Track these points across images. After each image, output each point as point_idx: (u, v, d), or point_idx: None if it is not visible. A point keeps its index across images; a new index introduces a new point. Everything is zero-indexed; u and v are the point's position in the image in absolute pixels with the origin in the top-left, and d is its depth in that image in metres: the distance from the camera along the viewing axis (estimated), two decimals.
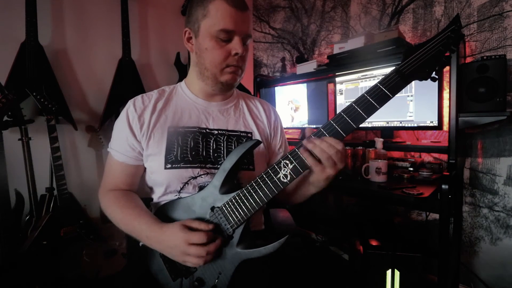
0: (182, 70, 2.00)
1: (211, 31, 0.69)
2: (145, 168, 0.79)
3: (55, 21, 1.55)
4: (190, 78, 0.82)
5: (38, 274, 1.23)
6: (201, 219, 0.68)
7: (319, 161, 0.58)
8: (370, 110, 0.57)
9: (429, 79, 0.57)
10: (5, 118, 1.23)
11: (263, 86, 2.23)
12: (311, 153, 0.59)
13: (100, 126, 1.65)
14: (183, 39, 0.77)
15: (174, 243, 0.62)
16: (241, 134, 0.81)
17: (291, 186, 0.70)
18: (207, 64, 0.73)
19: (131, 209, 0.71)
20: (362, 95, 0.57)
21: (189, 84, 0.82)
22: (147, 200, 0.81)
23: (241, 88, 2.02)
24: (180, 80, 0.86)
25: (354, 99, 0.58)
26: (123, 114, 0.76)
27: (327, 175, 0.60)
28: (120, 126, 0.76)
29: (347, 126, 0.58)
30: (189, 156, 0.74)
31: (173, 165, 0.73)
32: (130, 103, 0.77)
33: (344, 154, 0.59)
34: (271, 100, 2.16)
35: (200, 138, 0.76)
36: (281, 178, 0.61)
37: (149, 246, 0.68)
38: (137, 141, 0.74)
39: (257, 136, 0.83)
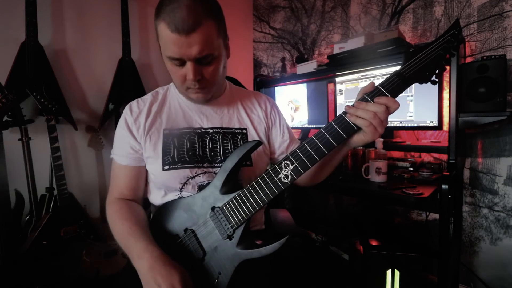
0: None
1: (164, 55, 0.66)
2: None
3: (55, 21, 1.54)
4: None
5: (38, 274, 1.23)
6: (201, 219, 0.68)
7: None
8: None
9: (429, 82, 0.57)
10: (5, 118, 1.22)
11: (263, 86, 2.22)
12: (357, 116, 0.57)
13: (100, 126, 1.65)
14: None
15: (160, 284, 0.57)
16: (236, 131, 0.80)
17: (328, 157, 0.62)
18: (174, 82, 0.74)
19: (132, 223, 0.69)
20: (363, 97, 0.57)
21: None
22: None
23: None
24: None
25: (354, 100, 0.58)
26: (121, 119, 0.77)
27: (378, 135, 0.57)
28: (120, 131, 0.77)
29: (348, 128, 0.58)
30: (186, 156, 0.74)
31: (171, 166, 0.73)
32: (127, 108, 0.78)
33: (387, 112, 0.56)
34: None
35: (196, 138, 0.76)
36: (281, 178, 0.61)
37: (135, 266, 0.62)
38: (137, 143, 0.75)
39: (252, 131, 0.82)
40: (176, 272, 0.59)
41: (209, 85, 0.70)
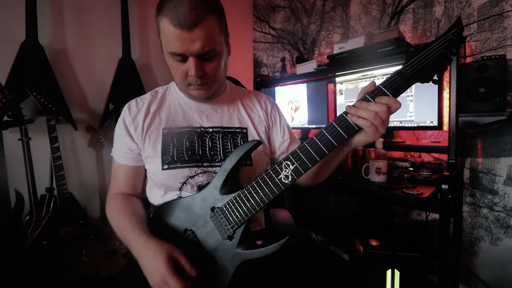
0: None
1: (165, 51, 0.66)
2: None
3: (55, 21, 1.54)
4: None
5: (38, 274, 1.23)
6: (201, 219, 0.68)
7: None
8: None
9: (430, 82, 0.57)
10: (5, 118, 1.22)
11: (263, 86, 2.22)
12: (358, 117, 0.56)
13: (100, 126, 1.65)
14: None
15: (152, 268, 0.60)
16: (236, 130, 0.80)
17: (328, 157, 0.62)
18: (175, 79, 0.74)
19: (127, 216, 0.71)
20: (365, 97, 0.57)
21: None
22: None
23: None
24: None
25: (354, 100, 0.58)
26: (120, 118, 0.78)
27: (379, 135, 0.57)
28: (118, 130, 0.78)
29: (349, 128, 0.58)
30: (185, 156, 0.74)
31: (170, 166, 0.73)
32: (125, 107, 0.79)
33: (388, 112, 0.55)
34: None
35: (195, 137, 0.76)
36: (282, 179, 0.61)
37: (135, 257, 0.65)
38: (134, 143, 0.76)
39: (252, 130, 0.82)
40: (160, 253, 0.59)
41: (210, 81, 0.70)
